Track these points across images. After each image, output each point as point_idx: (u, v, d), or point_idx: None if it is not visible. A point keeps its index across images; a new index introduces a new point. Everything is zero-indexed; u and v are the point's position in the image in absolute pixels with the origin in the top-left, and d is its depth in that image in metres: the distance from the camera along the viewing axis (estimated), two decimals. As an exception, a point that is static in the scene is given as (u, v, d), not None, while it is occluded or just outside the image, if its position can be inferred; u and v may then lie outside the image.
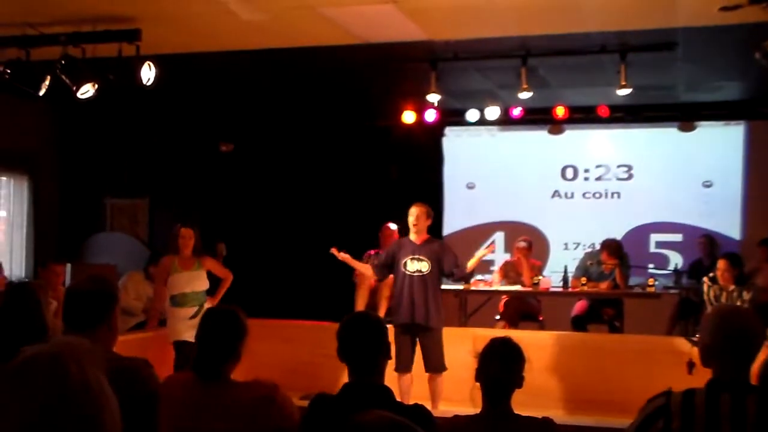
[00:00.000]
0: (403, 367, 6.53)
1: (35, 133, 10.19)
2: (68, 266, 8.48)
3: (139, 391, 2.23)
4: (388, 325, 3.62)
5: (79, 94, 6.38)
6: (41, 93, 6.52)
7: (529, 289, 8.51)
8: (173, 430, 2.89)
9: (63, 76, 6.32)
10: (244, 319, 3.20)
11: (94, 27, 6.16)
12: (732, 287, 7.19)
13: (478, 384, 3.13)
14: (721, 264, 7.28)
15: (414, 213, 6.69)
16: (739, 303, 6.98)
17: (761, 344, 2.64)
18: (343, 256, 7.13)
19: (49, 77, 6.42)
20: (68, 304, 2.85)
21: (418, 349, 6.68)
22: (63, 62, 6.26)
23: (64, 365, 1.23)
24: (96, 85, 6.38)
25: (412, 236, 6.73)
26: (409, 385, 6.60)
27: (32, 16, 6.10)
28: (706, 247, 9.60)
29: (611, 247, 8.55)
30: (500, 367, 3.05)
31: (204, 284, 6.97)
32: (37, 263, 8.12)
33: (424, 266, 6.61)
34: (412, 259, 6.64)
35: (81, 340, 1.33)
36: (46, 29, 6.27)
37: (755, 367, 2.61)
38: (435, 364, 6.60)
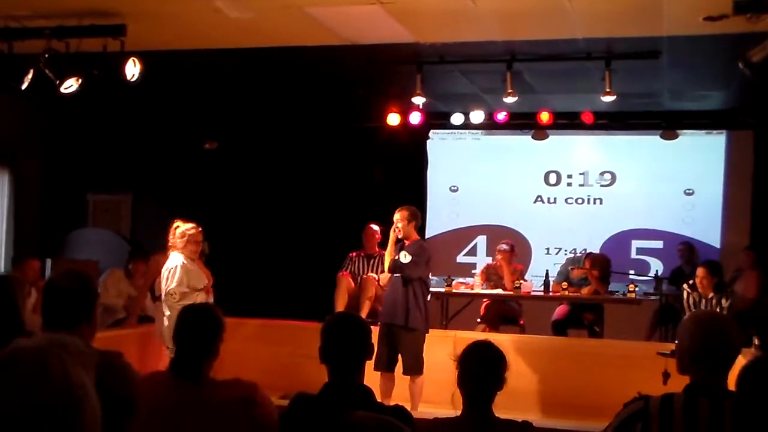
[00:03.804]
0: (381, 366, 6.52)
1: (17, 127, 10.10)
2: (49, 261, 8.43)
3: (115, 383, 2.22)
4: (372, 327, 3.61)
5: (62, 89, 6.34)
6: (24, 87, 6.47)
7: (511, 292, 8.53)
8: (152, 430, 2.87)
9: (46, 70, 6.27)
10: (220, 316, 3.20)
11: (79, 21, 6.13)
12: (711, 294, 7.26)
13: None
14: (700, 271, 7.35)
15: (395, 218, 6.78)
16: (717, 310, 7.04)
17: (738, 350, 2.66)
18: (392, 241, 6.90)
19: (32, 71, 6.37)
20: (48, 302, 2.80)
21: None
22: (47, 56, 6.21)
23: (45, 361, 1.23)
24: (80, 80, 6.34)
25: (405, 240, 6.81)
26: (389, 386, 6.60)
27: (16, 8, 6.06)
28: (684, 254, 9.70)
29: (596, 259, 8.62)
30: (482, 371, 3.04)
31: None
32: (14, 260, 8.05)
33: (401, 257, 6.70)
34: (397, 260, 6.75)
35: (73, 339, 1.33)
36: (30, 23, 6.22)
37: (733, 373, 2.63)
38: (408, 366, 6.62)
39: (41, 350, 1.24)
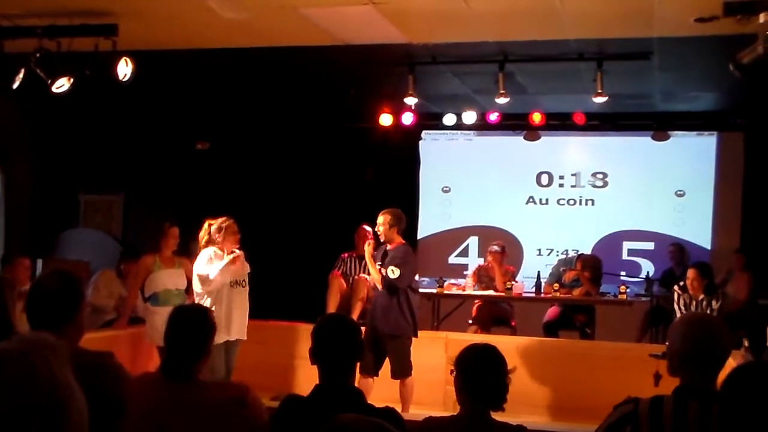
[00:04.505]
0: (367, 370, 6.43)
1: (8, 126, 10.06)
2: (39, 262, 8.39)
3: (106, 384, 2.21)
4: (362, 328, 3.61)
5: (54, 88, 6.32)
6: (15, 86, 6.44)
7: (502, 294, 8.54)
8: (143, 430, 2.87)
9: (38, 70, 6.25)
10: (211, 317, 3.21)
11: (70, 21, 6.10)
12: (701, 296, 7.28)
13: (450, 387, 3.11)
14: (690, 273, 7.37)
15: (377, 222, 6.70)
16: (708, 312, 7.07)
17: (728, 352, 2.67)
18: (369, 255, 6.80)
19: (23, 70, 6.34)
20: (34, 303, 2.77)
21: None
22: (38, 55, 6.19)
23: (31, 362, 1.22)
24: (71, 80, 6.31)
25: (387, 243, 6.73)
26: (369, 388, 6.53)
27: (7, 7, 6.03)
28: (675, 255, 9.73)
29: (587, 260, 8.64)
30: (489, 374, 3.01)
31: (185, 283, 6.87)
32: (3, 260, 8.00)
33: (390, 273, 6.59)
34: (380, 265, 6.65)
35: (46, 336, 1.32)
36: (22, 21, 6.19)
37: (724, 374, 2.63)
38: (396, 370, 6.57)
39: (27, 351, 1.23)
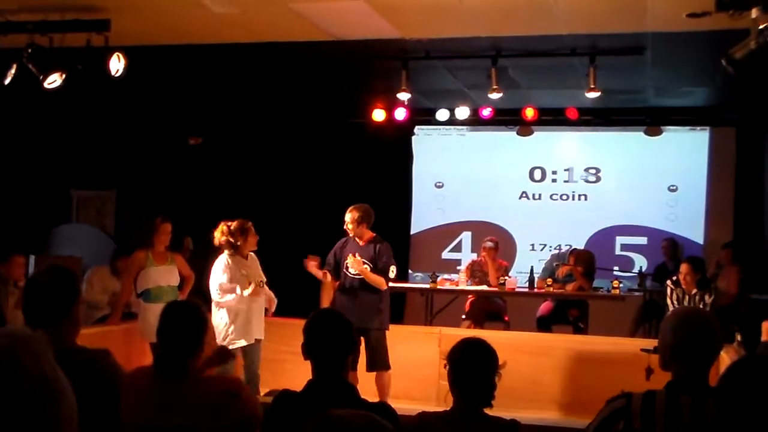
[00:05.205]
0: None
1: (0, 122, 10.02)
2: (32, 258, 8.36)
3: (100, 380, 2.21)
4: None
5: (46, 84, 6.29)
6: (7, 81, 6.41)
7: (495, 289, 8.55)
8: (137, 425, 2.87)
9: (30, 65, 6.22)
10: (205, 312, 3.20)
11: (62, 16, 6.08)
12: (694, 290, 7.30)
13: (444, 382, 3.12)
14: (683, 268, 7.39)
15: (345, 218, 6.73)
16: (701, 306, 7.09)
17: (720, 346, 2.68)
18: (311, 268, 6.87)
19: (15, 65, 6.32)
20: (29, 298, 2.76)
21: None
22: (30, 51, 6.16)
23: (19, 357, 1.22)
24: (63, 75, 6.29)
25: (356, 237, 6.77)
26: (354, 383, 6.52)
27: (1, 3, 6.01)
28: (668, 250, 9.75)
29: (580, 255, 8.65)
30: (477, 370, 3.01)
31: (177, 279, 6.85)
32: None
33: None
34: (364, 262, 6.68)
35: (23, 329, 1.31)
36: (13, 17, 6.17)
37: (715, 369, 2.64)
38: (376, 361, 6.60)
39: (14, 347, 1.23)
